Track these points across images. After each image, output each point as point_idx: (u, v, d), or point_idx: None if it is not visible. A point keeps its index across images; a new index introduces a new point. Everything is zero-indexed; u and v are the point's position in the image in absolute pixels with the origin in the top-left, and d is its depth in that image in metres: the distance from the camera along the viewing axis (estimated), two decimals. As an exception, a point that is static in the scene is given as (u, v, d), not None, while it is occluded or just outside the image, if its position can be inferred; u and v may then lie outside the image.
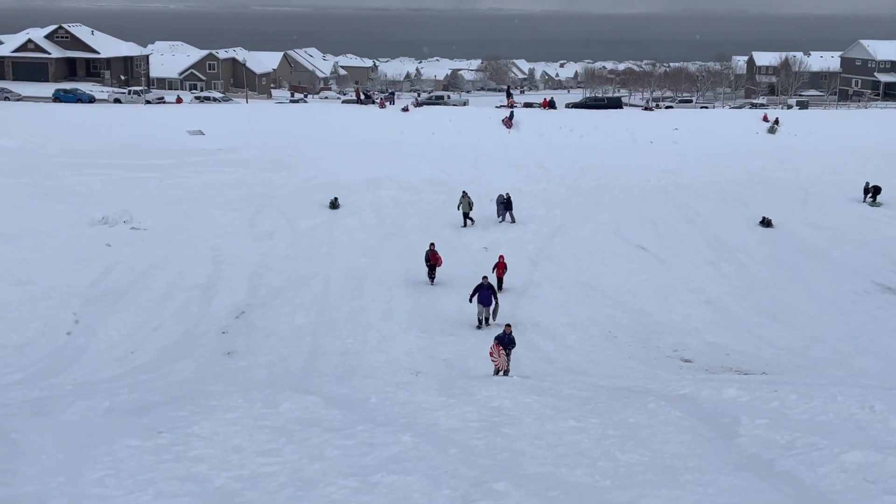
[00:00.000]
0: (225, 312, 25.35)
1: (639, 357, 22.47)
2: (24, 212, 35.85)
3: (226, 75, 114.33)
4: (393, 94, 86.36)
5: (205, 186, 43.12)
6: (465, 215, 37.21)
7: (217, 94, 79.08)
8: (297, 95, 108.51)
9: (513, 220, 37.59)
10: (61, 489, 8.83)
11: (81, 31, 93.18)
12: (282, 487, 9.13)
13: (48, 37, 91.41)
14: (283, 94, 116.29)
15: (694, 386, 15.27)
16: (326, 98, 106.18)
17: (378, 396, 14.12)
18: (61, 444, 10.54)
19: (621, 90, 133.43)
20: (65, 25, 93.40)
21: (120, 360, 21.38)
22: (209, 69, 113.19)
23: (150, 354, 21.80)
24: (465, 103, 72.33)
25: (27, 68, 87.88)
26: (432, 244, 29.18)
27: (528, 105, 73.54)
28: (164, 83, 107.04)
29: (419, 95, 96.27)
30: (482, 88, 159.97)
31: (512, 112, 61.34)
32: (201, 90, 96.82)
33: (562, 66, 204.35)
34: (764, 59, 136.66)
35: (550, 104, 69.62)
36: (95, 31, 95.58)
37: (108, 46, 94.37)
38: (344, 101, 78.15)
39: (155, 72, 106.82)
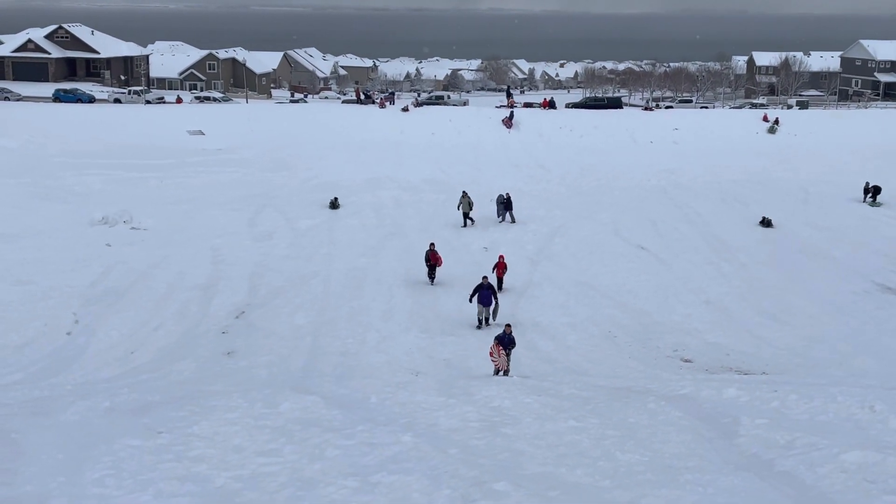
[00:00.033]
0: (225, 312, 25.36)
1: (639, 357, 22.47)
2: (24, 212, 35.86)
3: (226, 75, 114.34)
4: (393, 94, 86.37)
5: (205, 186, 43.12)
6: (465, 215, 37.22)
7: (217, 94, 79.08)
8: (297, 95, 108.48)
9: (513, 220, 37.59)
10: (61, 489, 8.83)
11: (81, 31, 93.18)
12: (282, 487, 9.13)
13: (48, 37, 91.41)
14: (283, 94, 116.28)
15: (694, 386, 15.27)
16: (326, 98, 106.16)
17: (378, 396, 14.13)
18: (61, 444, 10.54)
19: (621, 90, 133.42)
20: (65, 25, 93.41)
21: (120, 360, 21.38)
22: (209, 69, 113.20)
23: (150, 354, 21.81)
24: (465, 103, 72.34)
25: (27, 68, 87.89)
26: (432, 244, 29.18)
27: (528, 105, 73.55)
28: (164, 83, 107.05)
29: (419, 95, 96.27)
30: (482, 88, 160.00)
31: (512, 112, 61.35)
32: (201, 90, 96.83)
33: (562, 66, 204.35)
34: (764, 59, 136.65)
35: (550, 104, 69.62)
36: (95, 31, 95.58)
37: (108, 46, 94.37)
38: (344, 101, 78.14)
39: (155, 72, 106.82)
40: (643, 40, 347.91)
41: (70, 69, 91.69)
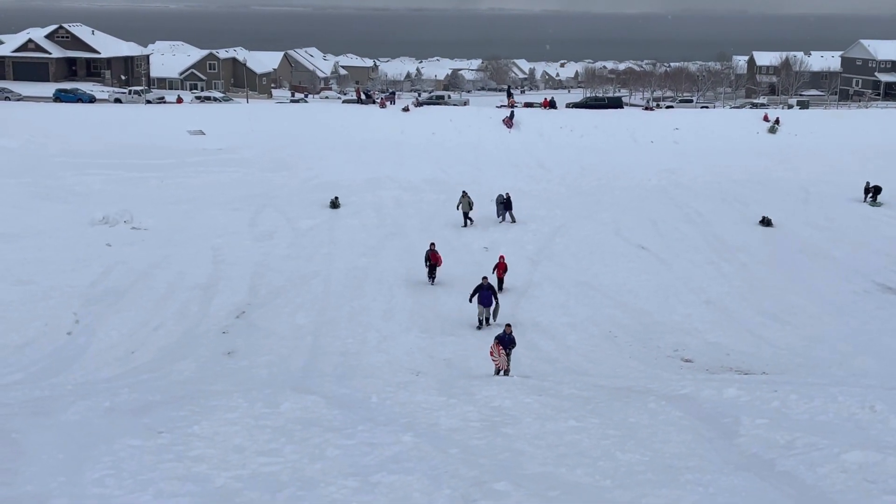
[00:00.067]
0: (225, 312, 25.36)
1: (639, 357, 22.47)
2: (24, 212, 35.87)
3: (226, 75, 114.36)
4: (393, 93, 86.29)
5: (205, 186, 43.13)
6: (465, 215, 37.22)
7: (217, 94, 79.08)
8: (298, 95, 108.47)
9: (513, 220, 37.59)
10: (62, 489, 8.83)
11: (82, 31, 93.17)
12: (282, 487, 9.13)
13: (49, 37, 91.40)
14: (284, 93, 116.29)
15: (694, 386, 15.27)
16: (327, 98, 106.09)
17: (378, 396, 14.13)
18: (62, 443, 10.54)
19: (622, 90, 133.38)
20: (65, 25, 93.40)
21: (120, 359, 21.39)
22: (210, 69, 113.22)
23: (150, 354, 21.82)
24: (465, 103, 72.32)
25: (28, 68, 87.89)
26: (432, 244, 29.19)
27: (528, 105, 73.51)
28: (164, 83, 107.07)
29: (420, 95, 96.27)
30: (483, 88, 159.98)
31: (512, 112, 61.31)
32: (202, 90, 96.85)
33: (562, 65, 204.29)
34: (764, 58, 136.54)
35: (551, 104, 69.59)
36: (96, 31, 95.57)
37: (109, 46, 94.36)
38: (344, 101, 78.13)
39: (155, 72, 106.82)
40: (644, 40, 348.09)
41: (70, 69, 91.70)
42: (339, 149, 51.95)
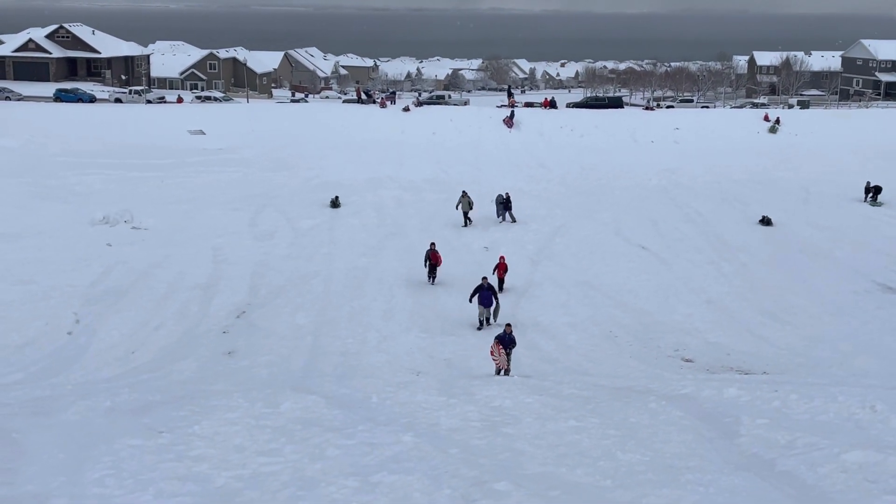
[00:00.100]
0: (226, 312, 25.36)
1: (640, 357, 22.47)
2: (24, 211, 35.88)
3: (226, 75, 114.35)
4: (394, 93, 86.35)
5: (205, 186, 43.13)
6: (465, 215, 37.22)
7: (218, 94, 79.10)
8: (298, 95, 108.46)
9: (513, 220, 37.58)
10: (62, 489, 8.83)
11: (82, 31, 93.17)
12: (283, 487, 9.13)
13: (49, 36, 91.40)
14: (284, 93, 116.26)
15: (695, 386, 15.27)
16: (327, 98, 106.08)
17: (379, 396, 14.13)
18: (62, 443, 10.54)
19: (622, 90, 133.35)
20: (66, 25, 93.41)
21: (121, 359, 21.40)
22: (210, 69, 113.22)
23: (150, 354, 21.82)
24: (465, 103, 72.34)
25: (28, 68, 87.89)
26: (433, 244, 29.18)
27: (528, 105, 73.52)
28: (164, 83, 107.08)
29: (420, 95, 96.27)
30: (483, 88, 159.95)
31: (513, 112, 61.34)
32: (202, 90, 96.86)
33: (563, 65, 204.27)
34: (765, 58, 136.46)
35: (551, 104, 69.60)
36: (96, 31, 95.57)
37: (109, 46, 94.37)
38: (345, 101, 78.15)
39: (156, 71, 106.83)
40: (644, 40, 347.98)
41: (71, 69, 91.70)
42: (340, 148, 51.96)
